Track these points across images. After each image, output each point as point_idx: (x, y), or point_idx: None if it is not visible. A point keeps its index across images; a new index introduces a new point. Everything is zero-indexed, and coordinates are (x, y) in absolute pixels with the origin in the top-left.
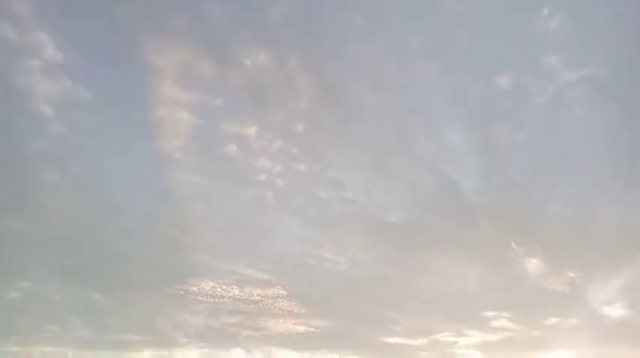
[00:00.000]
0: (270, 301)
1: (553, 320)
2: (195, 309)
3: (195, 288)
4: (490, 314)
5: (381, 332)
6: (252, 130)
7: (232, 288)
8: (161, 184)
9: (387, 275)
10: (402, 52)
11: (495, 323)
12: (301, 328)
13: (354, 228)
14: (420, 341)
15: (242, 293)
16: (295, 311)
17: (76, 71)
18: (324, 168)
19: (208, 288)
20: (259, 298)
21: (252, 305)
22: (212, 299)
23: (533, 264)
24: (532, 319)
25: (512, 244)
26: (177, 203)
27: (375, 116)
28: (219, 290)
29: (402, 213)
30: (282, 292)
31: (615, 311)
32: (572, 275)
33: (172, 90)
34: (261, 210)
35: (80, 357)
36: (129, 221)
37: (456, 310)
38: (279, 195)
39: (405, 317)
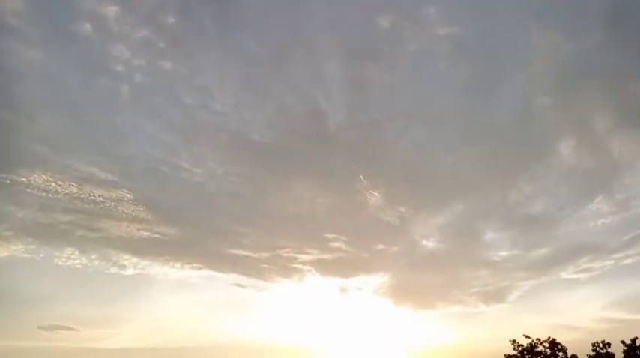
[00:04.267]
0: (113, 203)
1: (380, 246)
2: (24, 202)
3: (24, 179)
4: (330, 236)
5: (227, 244)
6: (112, 10)
7: (70, 185)
8: None
9: (242, 191)
10: None
11: (333, 245)
12: (145, 234)
13: (216, 140)
14: (264, 255)
15: (81, 192)
16: (141, 216)
17: None
18: (192, 71)
19: (41, 182)
20: (101, 199)
21: (92, 206)
22: (45, 194)
23: (375, 197)
24: (364, 244)
25: (361, 177)
26: (10, 79)
27: (255, 29)
28: (53, 185)
29: (267, 132)
30: (128, 196)
31: (430, 243)
32: (402, 210)
33: None
34: (113, 104)
35: None
36: None
37: (300, 229)
38: (136, 91)
39: (252, 232)
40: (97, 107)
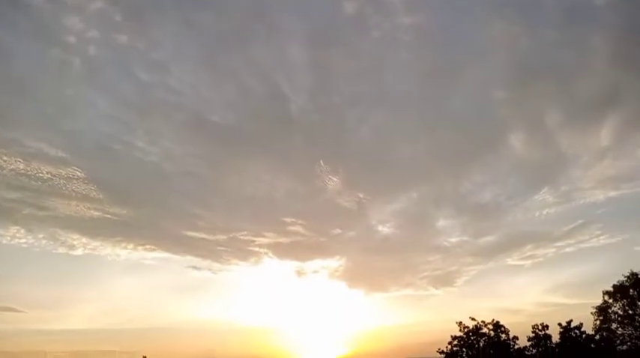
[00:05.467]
0: (62, 181)
1: (337, 230)
2: None
3: None
4: (288, 219)
5: (182, 226)
6: None
7: (16, 161)
8: None
9: (199, 172)
10: None
11: (290, 228)
12: (96, 213)
13: (172, 118)
14: (220, 237)
15: (28, 168)
16: (92, 195)
17: None
18: (149, 45)
19: None
20: (49, 176)
21: (40, 183)
22: None
23: (333, 182)
24: (321, 228)
25: (321, 161)
26: None
27: (216, 4)
28: None
29: (226, 113)
30: (78, 173)
31: (385, 229)
32: (360, 195)
33: None
34: (64, 77)
35: None
36: None
37: (258, 213)
38: (89, 65)
39: (209, 214)
40: (46, 79)
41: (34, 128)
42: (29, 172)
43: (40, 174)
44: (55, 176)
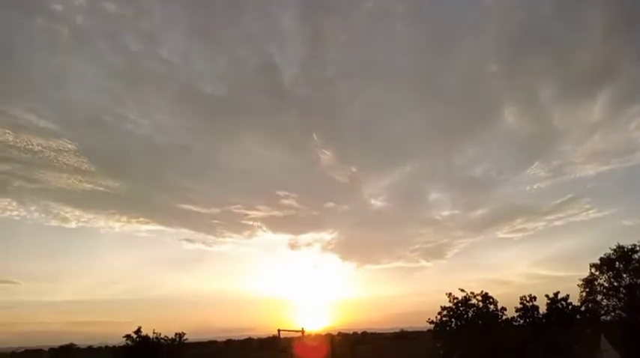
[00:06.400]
0: (53, 153)
1: (331, 204)
2: None
3: None
4: (281, 193)
5: (176, 199)
6: None
7: (5, 132)
8: None
9: (192, 144)
10: None
11: (283, 202)
12: (88, 186)
13: (164, 90)
14: (214, 211)
15: (17, 140)
16: (83, 168)
17: None
18: (138, 14)
19: None
20: (40, 148)
21: (30, 155)
22: None
23: (326, 155)
24: (314, 201)
25: (314, 135)
26: None
27: None
28: None
29: (218, 85)
30: (69, 146)
31: (378, 203)
32: (354, 169)
33: None
34: (52, 47)
35: None
36: None
37: (251, 186)
38: (77, 35)
39: (202, 187)
40: (33, 49)
41: (23, 99)
42: (19, 144)
43: (30, 146)
44: (45, 148)
